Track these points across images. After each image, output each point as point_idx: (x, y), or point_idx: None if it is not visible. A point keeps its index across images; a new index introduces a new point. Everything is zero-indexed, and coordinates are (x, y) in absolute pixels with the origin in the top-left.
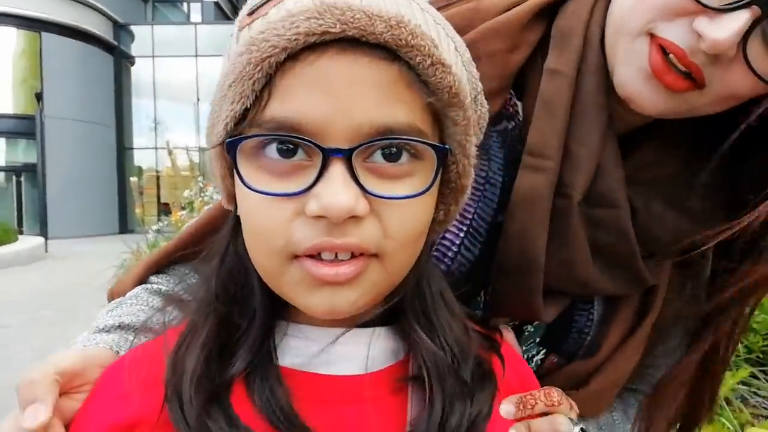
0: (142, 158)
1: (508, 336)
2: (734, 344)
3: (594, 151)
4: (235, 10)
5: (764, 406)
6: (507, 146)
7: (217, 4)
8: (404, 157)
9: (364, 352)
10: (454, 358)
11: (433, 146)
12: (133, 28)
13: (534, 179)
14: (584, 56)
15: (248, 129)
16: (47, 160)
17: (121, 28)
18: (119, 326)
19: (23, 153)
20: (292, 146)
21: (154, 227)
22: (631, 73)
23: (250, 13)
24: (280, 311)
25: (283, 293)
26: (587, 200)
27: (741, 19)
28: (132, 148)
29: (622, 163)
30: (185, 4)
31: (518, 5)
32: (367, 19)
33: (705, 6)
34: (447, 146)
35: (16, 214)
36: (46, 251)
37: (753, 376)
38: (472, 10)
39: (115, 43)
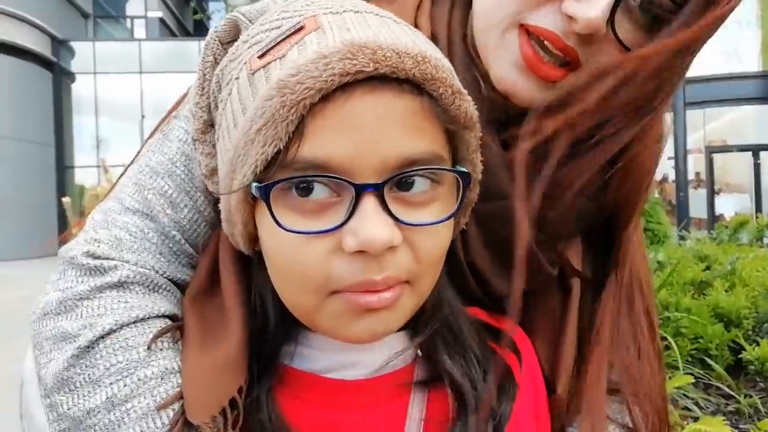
0: (83, 177)
1: None
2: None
3: None
4: (181, 26)
5: (699, 406)
6: None
7: (162, 21)
8: (425, 184)
9: (373, 359)
10: (482, 369)
11: (457, 172)
12: (73, 44)
13: None
14: (450, 56)
15: (278, 171)
16: None
17: (60, 44)
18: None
19: None
20: (316, 185)
21: None
22: (506, 67)
23: (261, 56)
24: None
25: (318, 326)
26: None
27: None
28: (73, 167)
29: (504, 153)
30: (129, 21)
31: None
32: (396, 57)
33: None
34: (467, 170)
35: None
36: None
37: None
38: None
39: (54, 59)
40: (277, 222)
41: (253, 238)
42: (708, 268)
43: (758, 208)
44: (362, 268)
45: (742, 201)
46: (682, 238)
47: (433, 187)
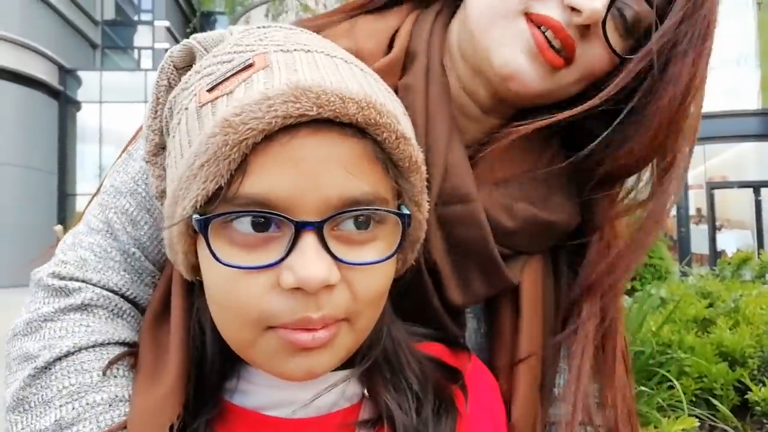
0: (85, 204)
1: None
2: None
3: (442, 154)
4: None
5: None
6: None
7: None
8: (367, 223)
9: (318, 397)
10: (416, 401)
11: (398, 214)
12: (80, 73)
13: None
14: (428, 70)
15: (220, 205)
16: None
17: (67, 73)
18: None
19: None
20: (263, 220)
21: None
22: (514, 52)
23: (210, 89)
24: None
25: (254, 361)
26: (441, 200)
27: None
28: (75, 195)
29: (467, 159)
30: (136, 51)
31: (391, 43)
32: (340, 102)
33: None
34: (408, 212)
35: None
36: None
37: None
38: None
39: (61, 88)
40: (214, 256)
41: (195, 267)
42: (711, 305)
43: (760, 244)
44: (299, 305)
45: (743, 237)
46: (684, 274)
47: (376, 226)
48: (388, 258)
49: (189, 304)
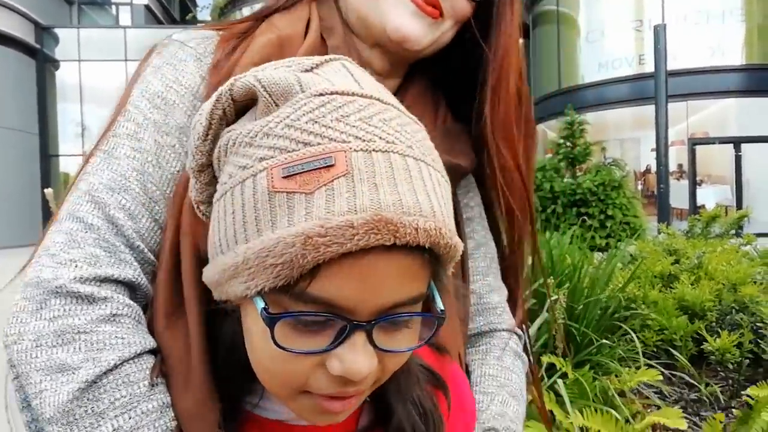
0: (68, 165)
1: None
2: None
3: None
4: (167, 13)
5: (663, 395)
6: None
7: (147, 8)
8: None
9: None
10: (420, 408)
11: (436, 317)
12: (57, 30)
13: None
14: (347, 40)
15: (285, 299)
16: None
17: (44, 31)
18: None
19: None
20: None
21: None
22: (402, 17)
23: (286, 177)
24: None
25: (288, 407)
26: None
27: None
28: (57, 155)
29: None
30: (114, 7)
31: (306, 29)
32: (414, 233)
33: None
34: (442, 309)
35: None
36: None
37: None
38: (279, 44)
39: (38, 46)
40: (276, 344)
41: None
42: (677, 261)
43: (739, 198)
44: (338, 384)
45: (723, 192)
46: (660, 232)
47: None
48: (420, 346)
49: (204, 313)
